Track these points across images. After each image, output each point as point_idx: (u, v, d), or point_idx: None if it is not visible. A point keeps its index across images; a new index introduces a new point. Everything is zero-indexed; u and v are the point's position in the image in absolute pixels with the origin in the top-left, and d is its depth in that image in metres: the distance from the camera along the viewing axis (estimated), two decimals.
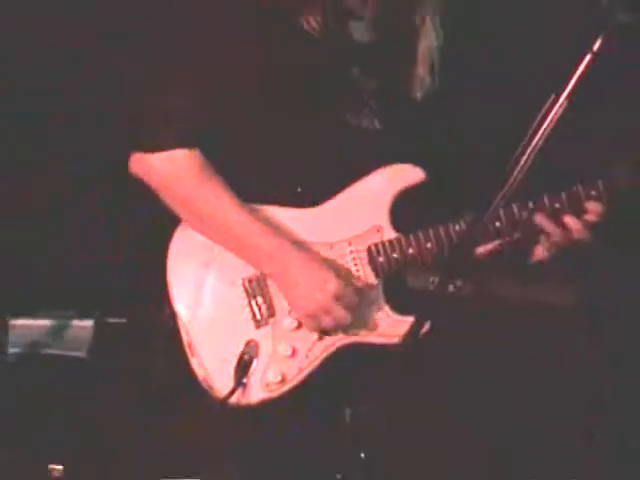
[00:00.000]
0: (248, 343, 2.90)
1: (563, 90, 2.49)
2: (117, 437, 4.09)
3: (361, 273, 2.95)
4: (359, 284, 2.94)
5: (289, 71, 2.93)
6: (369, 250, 2.93)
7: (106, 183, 4.13)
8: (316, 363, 2.94)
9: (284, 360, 2.92)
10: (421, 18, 2.99)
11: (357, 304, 2.91)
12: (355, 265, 2.93)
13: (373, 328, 2.94)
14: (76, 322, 4.21)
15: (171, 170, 2.96)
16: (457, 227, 2.92)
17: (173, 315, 3.00)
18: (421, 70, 3.03)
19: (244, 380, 2.90)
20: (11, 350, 4.06)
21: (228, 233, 2.94)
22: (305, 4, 2.94)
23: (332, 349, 2.94)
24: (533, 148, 2.50)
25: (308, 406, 3.00)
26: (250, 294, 2.96)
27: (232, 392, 2.86)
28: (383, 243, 2.94)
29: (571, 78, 2.48)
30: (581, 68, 2.47)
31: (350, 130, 3.00)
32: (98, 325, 4.19)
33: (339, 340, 2.94)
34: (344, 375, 2.98)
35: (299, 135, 2.98)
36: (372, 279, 2.94)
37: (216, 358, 2.95)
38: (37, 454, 3.99)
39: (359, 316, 2.92)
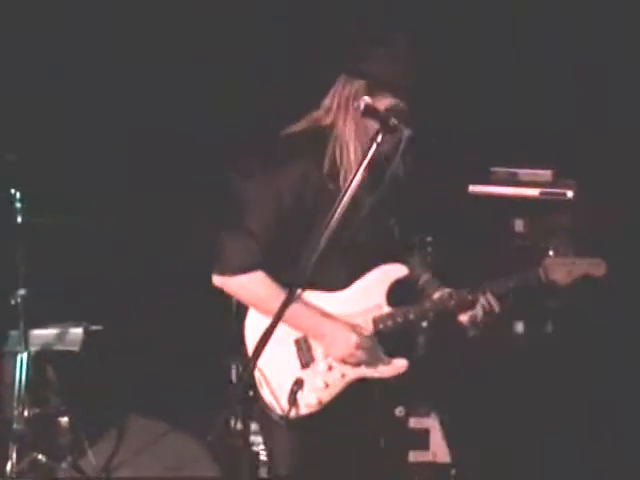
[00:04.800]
0: (296, 380, 3.57)
1: (360, 166, 3.18)
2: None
3: (367, 335, 3.64)
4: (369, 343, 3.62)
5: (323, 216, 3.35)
6: (373, 320, 3.66)
7: None
8: (339, 390, 3.63)
9: (320, 390, 3.61)
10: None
11: (369, 351, 3.59)
12: (366, 329, 3.65)
13: (374, 368, 3.65)
14: (72, 329, 5.63)
15: (242, 287, 3.61)
16: (428, 304, 3.67)
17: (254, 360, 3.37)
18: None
19: (295, 402, 3.54)
20: (32, 348, 5.36)
21: (287, 320, 3.44)
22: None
23: (349, 381, 3.63)
24: (339, 209, 3.16)
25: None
26: (298, 348, 3.65)
27: (289, 410, 3.52)
28: (382, 315, 3.66)
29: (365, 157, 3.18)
30: (370, 152, 3.18)
31: (357, 243, 3.61)
32: (85, 331, 5.63)
33: (353, 376, 3.64)
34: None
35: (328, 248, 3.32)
36: (374, 337, 3.64)
37: (277, 388, 3.60)
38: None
39: (368, 363, 3.63)
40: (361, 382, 3.68)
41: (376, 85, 3.48)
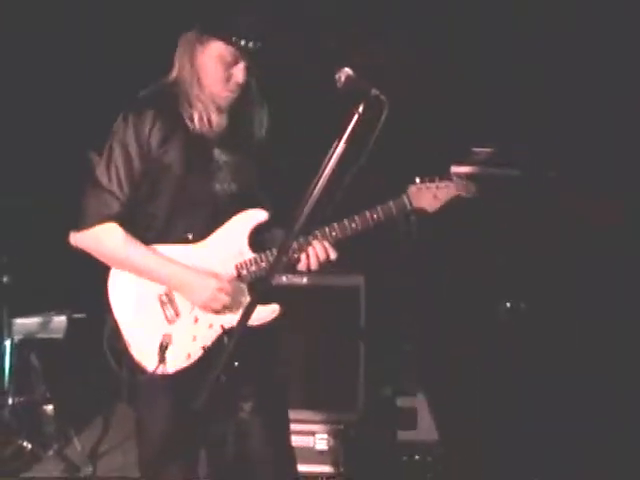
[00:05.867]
0: (164, 336, 3.51)
1: (341, 137, 3.09)
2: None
3: (233, 282, 3.55)
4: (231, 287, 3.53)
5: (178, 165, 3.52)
6: (235, 267, 3.58)
7: None
8: (209, 343, 3.54)
9: (189, 343, 3.54)
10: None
11: (231, 295, 3.50)
12: (227, 276, 3.56)
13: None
14: (55, 317, 5.57)
15: (97, 240, 3.54)
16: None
17: (114, 321, 3.55)
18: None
19: (164, 359, 3.46)
20: (15, 337, 5.36)
21: (146, 273, 3.55)
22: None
23: (219, 332, 3.55)
24: (320, 181, 3.07)
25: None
26: (162, 304, 3.57)
27: (157, 367, 3.46)
28: (245, 261, 3.58)
29: (346, 129, 3.09)
30: (352, 123, 3.09)
31: (216, 192, 3.58)
32: (69, 319, 5.57)
33: (221, 325, 3.55)
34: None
35: (186, 199, 3.53)
36: (239, 285, 3.58)
37: (145, 346, 3.52)
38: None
39: (232, 308, 3.54)
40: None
41: (205, 30, 3.51)
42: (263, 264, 3.57)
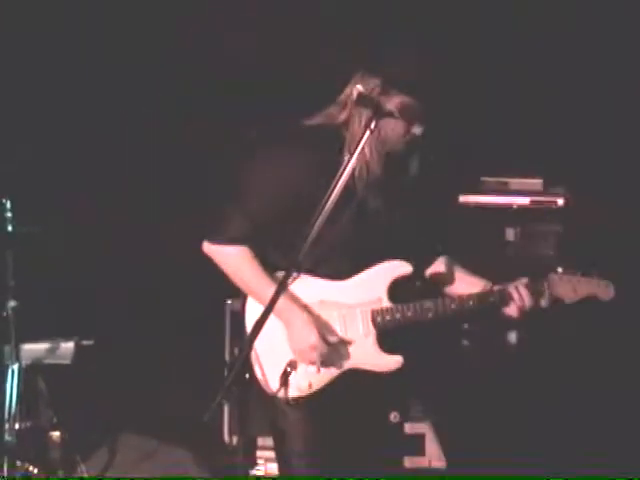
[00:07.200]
0: (290, 362, 3.58)
1: (353, 152, 3.24)
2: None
3: (365, 324, 3.67)
4: (359, 333, 3.67)
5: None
6: (372, 312, 3.69)
7: None
8: (332, 378, 3.67)
9: (312, 374, 3.63)
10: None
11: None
12: (363, 320, 3.68)
13: (368, 359, 3.68)
14: (63, 343, 5.53)
15: (228, 257, 3.67)
16: (428, 304, 3.70)
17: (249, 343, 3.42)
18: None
19: (286, 384, 3.54)
20: (24, 362, 5.28)
21: (262, 299, 3.56)
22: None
23: (343, 370, 3.68)
24: (332, 195, 3.22)
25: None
26: None
27: (278, 390, 3.53)
28: (381, 309, 3.70)
29: (357, 146, 3.25)
30: (364, 139, 3.25)
31: (364, 236, 3.67)
32: (76, 345, 5.53)
33: (346, 366, 3.68)
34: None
35: (336, 239, 3.59)
36: (372, 329, 3.68)
37: (270, 369, 3.63)
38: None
39: (360, 351, 3.68)
40: (358, 374, 3.68)
41: (390, 83, 3.53)
42: (398, 315, 3.69)
